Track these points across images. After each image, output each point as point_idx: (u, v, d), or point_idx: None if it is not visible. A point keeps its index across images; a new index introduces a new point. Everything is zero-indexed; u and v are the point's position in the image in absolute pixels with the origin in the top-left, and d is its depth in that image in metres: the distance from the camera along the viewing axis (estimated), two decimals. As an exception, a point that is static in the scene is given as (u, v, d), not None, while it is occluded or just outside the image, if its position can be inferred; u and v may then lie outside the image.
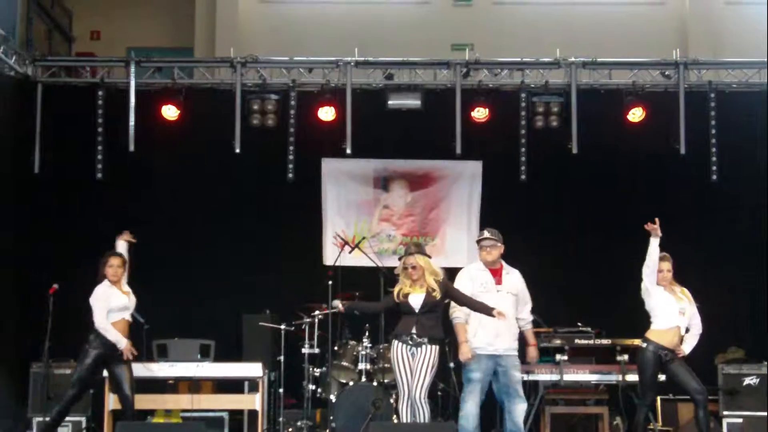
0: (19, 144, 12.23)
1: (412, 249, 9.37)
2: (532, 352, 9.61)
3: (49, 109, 12.46)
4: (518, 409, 9.33)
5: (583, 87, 12.42)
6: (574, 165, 12.41)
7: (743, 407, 10.82)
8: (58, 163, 12.42)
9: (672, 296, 9.43)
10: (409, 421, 9.06)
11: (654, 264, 9.46)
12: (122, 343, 9.51)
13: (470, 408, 9.32)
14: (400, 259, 9.44)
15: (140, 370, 10.58)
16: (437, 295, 9.09)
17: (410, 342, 9.02)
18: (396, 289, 9.25)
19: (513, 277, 9.57)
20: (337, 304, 9.45)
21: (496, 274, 9.54)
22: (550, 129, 12.45)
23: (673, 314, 9.38)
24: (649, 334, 9.41)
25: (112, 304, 9.56)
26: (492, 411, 9.98)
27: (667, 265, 9.47)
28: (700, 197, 12.46)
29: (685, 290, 9.48)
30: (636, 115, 12.33)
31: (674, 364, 9.33)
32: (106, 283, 9.63)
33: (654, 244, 9.44)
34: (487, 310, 9.03)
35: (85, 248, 10.90)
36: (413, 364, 9.04)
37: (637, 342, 10.04)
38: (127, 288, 9.79)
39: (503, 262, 9.64)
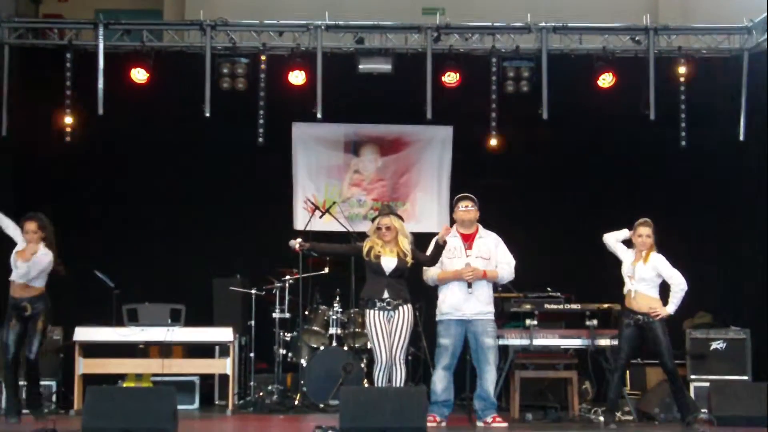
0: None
1: (386, 210, 9.38)
2: (473, 271, 9.39)
3: (16, 71, 12.33)
4: (487, 376, 9.39)
5: (553, 52, 12.40)
6: (544, 130, 12.43)
7: (711, 371, 10.93)
8: (26, 126, 12.30)
9: (627, 262, 9.52)
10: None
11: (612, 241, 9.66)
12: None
13: (439, 373, 9.40)
14: (372, 220, 9.42)
15: (110, 334, 10.62)
16: (409, 260, 9.12)
17: (388, 307, 9.02)
18: (366, 246, 9.21)
19: (486, 241, 9.58)
20: (294, 243, 9.29)
21: (468, 239, 9.56)
22: (520, 94, 12.44)
23: (626, 279, 9.51)
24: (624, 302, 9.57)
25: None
26: (463, 375, 10.03)
27: (647, 231, 9.51)
28: (670, 162, 12.50)
29: (653, 255, 9.51)
30: (606, 80, 12.34)
31: (650, 331, 9.41)
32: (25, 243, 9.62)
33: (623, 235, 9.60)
34: (439, 248, 9.15)
35: (51, 212, 10.80)
36: (390, 327, 9.03)
37: (605, 306, 10.14)
38: (42, 253, 9.58)
39: (480, 227, 9.64)
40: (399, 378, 9.05)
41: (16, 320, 9.52)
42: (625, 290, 9.57)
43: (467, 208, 9.56)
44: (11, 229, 9.72)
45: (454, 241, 9.50)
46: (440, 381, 9.38)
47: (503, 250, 9.64)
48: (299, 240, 9.30)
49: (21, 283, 9.52)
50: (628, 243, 9.70)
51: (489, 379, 9.37)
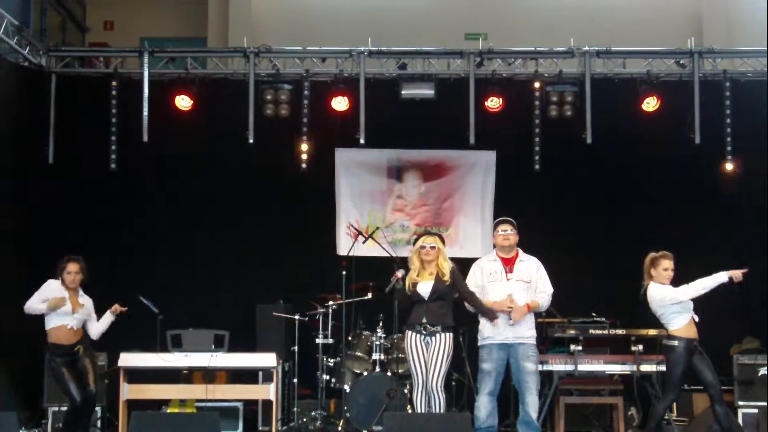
0: (34, 135, 12.25)
1: (430, 230, 9.38)
2: (520, 310, 9.27)
3: (63, 99, 12.50)
4: (529, 401, 9.28)
5: (597, 76, 12.39)
6: (588, 155, 12.37)
7: (759, 398, 10.78)
8: (73, 153, 12.44)
9: (677, 296, 9.39)
10: (424, 411, 9.07)
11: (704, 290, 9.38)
12: (49, 304, 9.51)
13: (482, 399, 9.32)
14: (414, 242, 9.37)
15: (154, 360, 10.63)
16: (447, 280, 9.10)
17: (423, 332, 9.03)
18: (408, 280, 9.21)
19: (526, 265, 9.48)
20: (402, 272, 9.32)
21: (509, 263, 9.49)
22: (564, 118, 12.43)
23: (683, 310, 9.35)
24: (676, 332, 9.32)
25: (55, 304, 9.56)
26: (507, 400, 9.98)
27: (671, 264, 9.41)
28: (715, 186, 12.39)
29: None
30: (650, 104, 12.30)
31: (696, 356, 9.28)
32: (59, 282, 9.65)
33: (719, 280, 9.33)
34: (489, 315, 9.11)
35: (99, 238, 10.92)
36: (428, 354, 9.04)
37: (652, 332, 10.03)
38: (83, 300, 9.74)
39: (520, 251, 9.58)
40: (438, 406, 9.02)
41: (71, 366, 9.58)
42: (686, 321, 9.37)
43: (506, 233, 9.49)
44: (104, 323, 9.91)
45: (494, 265, 9.46)
46: (484, 407, 9.30)
47: (543, 277, 9.50)
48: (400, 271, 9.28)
49: (76, 329, 9.61)
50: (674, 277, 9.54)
51: (530, 403, 9.27)
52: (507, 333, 9.25)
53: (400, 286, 9.25)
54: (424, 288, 9.10)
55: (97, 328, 9.88)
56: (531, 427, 9.30)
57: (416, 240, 9.44)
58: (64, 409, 10.43)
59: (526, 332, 9.30)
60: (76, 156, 12.49)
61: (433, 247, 9.19)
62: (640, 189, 12.60)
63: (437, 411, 8.96)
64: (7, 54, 11.95)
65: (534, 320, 9.47)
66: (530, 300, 9.31)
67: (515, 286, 9.34)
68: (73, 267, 9.64)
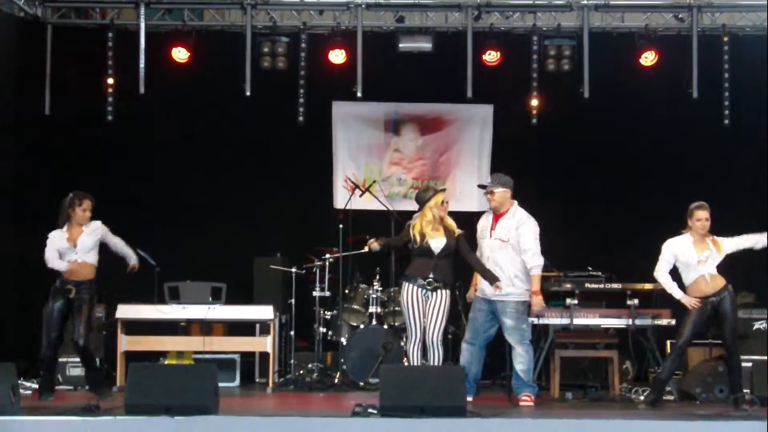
0: (30, 86, 12.21)
1: (435, 187, 9.37)
2: (533, 300, 9.37)
3: (59, 51, 12.43)
4: (514, 354, 9.36)
5: (595, 30, 12.36)
6: (585, 109, 12.35)
7: (753, 352, 10.82)
8: (69, 105, 12.40)
9: (693, 248, 9.36)
10: (419, 363, 9.13)
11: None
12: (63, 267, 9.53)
13: (462, 345, 9.48)
14: (423, 201, 9.26)
15: (152, 312, 10.70)
16: (457, 232, 9.13)
17: (428, 287, 9.03)
18: (416, 229, 9.16)
19: (508, 223, 9.39)
20: (375, 246, 9.32)
21: (496, 219, 9.47)
22: (561, 72, 12.42)
23: (698, 265, 9.32)
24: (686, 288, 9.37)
25: (60, 249, 9.56)
26: (501, 355, 10.05)
27: (705, 214, 9.31)
28: (713, 141, 12.38)
29: (717, 239, 9.38)
30: (648, 58, 12.29)
31: (721, 307, 9.26)
32: (62, 229, 9.61)
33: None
34: (490, 278, 9.16)
35: (95, 191, 10.83)
36: (426, 307, 9.06)
37: (648, 286, 10.06)
38: (89, 228, 9.65)
39: (513, 207, 9.50)
40: (435, 359, 9.09)
41: (64, 308, 9.58)
42: (695, 277, 9.33)
43: (488, 197, 9.47)
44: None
45: (485, 221, 9.53)
46: (462, 354, 9.43)
47: (524, 235, 9.34)
48: (372, 241, 9.25)
49: (81, 261, 9.58)
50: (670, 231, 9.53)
51: (515, 356, 9.33)
52: (488, 289, 9.29)
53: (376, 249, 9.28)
54: (437, 244, 9.08)
55: (120, 247, 9.85)
56: (519, 381, 9.38)
57: (419, 196, 9.34)
58: (63, 360, 10.52)
59: (505, 288, 9.26)
60: (73, 107, 12.43)
61: (447, 203, 9.26)
62: (638, 143, 12.57)
63: (434, 364, 9.00)
64: (3, 4, 11.88)
65: (522, 275, 9.40)
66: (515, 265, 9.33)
67: (493, 244, 9.36)
68: (88, 204, 9.58)
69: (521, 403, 9.31)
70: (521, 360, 9.35)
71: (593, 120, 12.55)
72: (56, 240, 9.55)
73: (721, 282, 9.31)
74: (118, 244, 9.82)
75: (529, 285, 9.37)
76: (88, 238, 9.58)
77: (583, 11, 12.23)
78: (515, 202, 9.55)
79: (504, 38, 12.49)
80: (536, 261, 9.34)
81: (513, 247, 9.35)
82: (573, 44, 12.34)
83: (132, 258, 9.89)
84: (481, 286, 9.41)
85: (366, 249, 9.32)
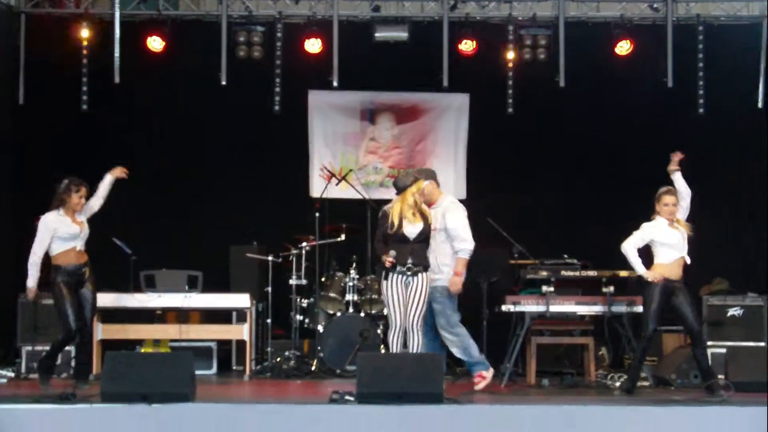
0: (4, 75, 12.14)
1: (419, 174, 9.33)
2: (451, 279, 9.33)
3: (33, 40, 12.36)
4: (446, 342, 9.45)
5: (570, 19, 12.40)
6: (561, 98, 12.40)
7: (727, 338, 10.92)
8: (43, 94, 12.33)
9: (674, 230, 9.41)
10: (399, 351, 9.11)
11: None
12: (32, 285, 9.36)
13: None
14: (402, 186, 9.15)
15: (128, 300, 10.68)
16: (431, 222, 9.11)
17: (408, 273, 8.99)
18: (395, 212, 9.03)
19: (436, 212, 9.39)
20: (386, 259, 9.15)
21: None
22: (537, 62, 12.46)
23: (677, 247, 9.39)
24: (654, 268, 9.38)
25: (60, 233, 9.36)
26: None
27: (672, 199, 9.39)
28: (688, 129, 12.44)
29: (679, 219, 9.44)
30: (624, 48, 12.34)
31: (679, 297, 9.33)
32: (58, 211, 9.40)
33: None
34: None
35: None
36: (407, 294, 9.01)
37: (623, 273, 10.10)
38: (82, 218, 9.52)
39: (440, 197, 9.52)
40: (415, 345, 9.04)
41: (74, 291, 9.44)
42: (674, 258, 9.35)
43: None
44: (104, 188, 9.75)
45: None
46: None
47: (450, 219, 9.38)
48: (387, 256, 9.10)
49: (80, 250, 9.50)
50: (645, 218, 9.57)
51: (450, 345, 9.42)
52: None
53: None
54: (412, 230, 9.03)
55: (98, 199, 9.68)
56: (468, 364, 9.52)
57: (398, 181, 9.28)
58: (39, 348, 10.44)
59: (433, 276, 9.30)
60: (47, 97, 12.37)
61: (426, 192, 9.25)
62: (613, 132, 12.61)
63: (414, 350, 8.95)
64: (-24, -8, 11.82)
65: (450, 262, 9.37)
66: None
67: None
68: (84, 191, 9.46)
69: (475, 386, 9.34)
70: (455, 344, 9.37)
71: (569, 109, 12.60)
72: (61, 225, 9.34)
73: (681, 273, 9.38)
74: (99, 198, 9.70)
75: None
76: (85, 233, 9.48)
77: (559, 1, 12.27)
78: (443, 193, 9.63)
79: (480, 27, 12.52)
80: (463, 245, 9.36)
81: (441, 235, 9.36)
82: (549, 34, 12.40)
83: (106, 179, 9.75)
84: None
85: (388, 263, 9.19)
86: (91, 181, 11.38)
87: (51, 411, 7.70)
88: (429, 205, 9.39)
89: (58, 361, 10.06)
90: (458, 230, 9.36)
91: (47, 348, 9.82)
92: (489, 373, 9.47)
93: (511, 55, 12.39)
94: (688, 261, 9.35)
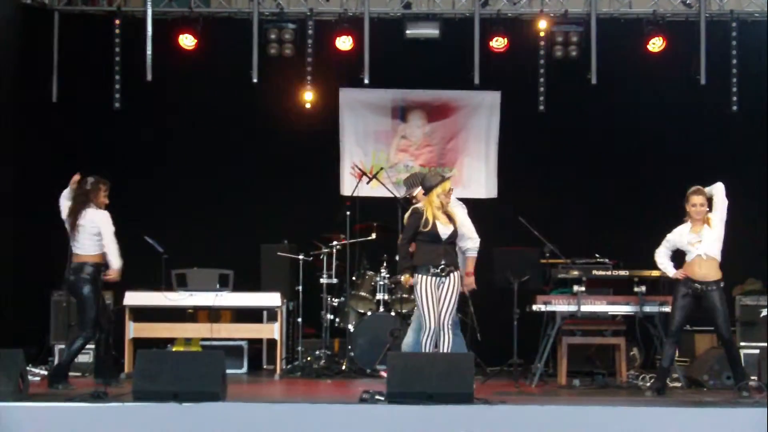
0: (37, 73, 12.23)
1: (441, 174, 9.30)
2: (465, 279, 9.36)
3: (66, 38, 12.44)
4: None
5: (602, 16, 12.34)
6: (593, 95, 12.35)
7: (760, 338, 10.83)
8: (76, 92, 12.41)
9: (689, 231, 9.36)
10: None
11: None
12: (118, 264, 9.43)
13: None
14: (427, 187, 9.12)
15: (160, 299, 10.73)
16: (458, 224, 9.09)
17: (441, 274, 8.94)
18: (428, 212, 9.01)
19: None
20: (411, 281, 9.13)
21: None
22: (569, 59, 12.43)
23: (689, 248, 9.34)
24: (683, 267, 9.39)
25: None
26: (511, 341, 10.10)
27: (700, 199, 9.33)
28: (721, 127, 12.35)
29: (709, 218, 9.38)
30: (656, 45, 12.26)
31: (709, 300, 9.25)
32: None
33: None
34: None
35: (102, 176, 10.85)
36: (439, 294, 8.96)
37: (655, 273, 10.06)
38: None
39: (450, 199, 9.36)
40: (446, 344, 8.96)
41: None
42: (690, 259, 9.33)
43: (414, 202, 9.39)
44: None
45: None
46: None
47: (463, 223, 9.36)
48: (407, 277, 9.05)
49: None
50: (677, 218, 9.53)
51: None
52: None
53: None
54: (444, 230, 8.98)
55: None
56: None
57: (426, 179, 9.23)
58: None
59: None
60: (80, 95, 12.45)
61: (452, 190, 9.17)
62: (645, 130, 12.53)
63: (445, 349, 8.85)
64: (10, -9, 11.90)
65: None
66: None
67: None
68: (108, 188, 9.55)
69: None
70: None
71: (600, 106, 12.53)
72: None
73: (714, 274, 9.28)
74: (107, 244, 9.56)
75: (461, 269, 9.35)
76: None
77: (591, -3, 12.23)
78: None
79: (511, 24, 12.48)
80: (471, 244, 9.40)
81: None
82: (580, 30, 12.34)
83: (114, 263, 9.51)
84: None
85: (406, 284, 9.18)
86: (122, 177, 11.53)
87: (83, 409, 7.76)
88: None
89: (90, 359, 10.14)
90: (462, 228, 9.29)
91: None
92: None
93: (542, 52, 12.34)
94: (704, 256, 9.26)
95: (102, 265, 9.41)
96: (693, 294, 9.24)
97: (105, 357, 9.73)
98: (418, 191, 9.30)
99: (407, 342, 9.38)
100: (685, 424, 7.69)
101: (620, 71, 12.34)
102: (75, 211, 9.43)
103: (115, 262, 9.38)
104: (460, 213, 9.44)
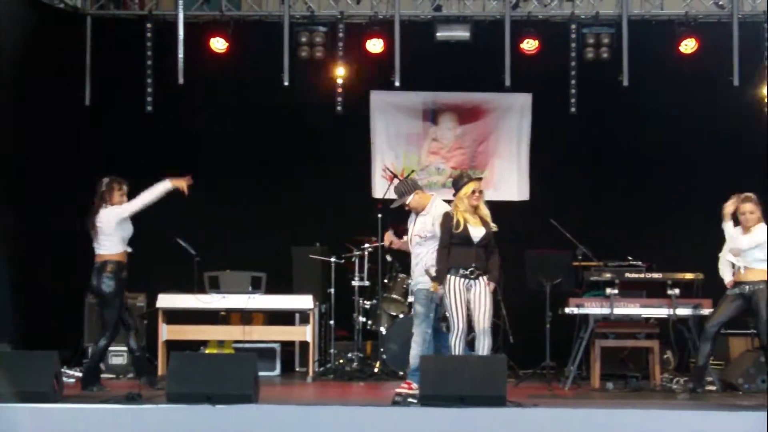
0: (70, 77, 12.30)
1: (468, 176, 9.29)
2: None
3: (98, 41, 12.52)
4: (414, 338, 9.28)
5: (634, 18, 12.29)
6: (624, 97, 12.28)
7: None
8: (109, 95, 12.48)
9: (739, 233, 9.37)
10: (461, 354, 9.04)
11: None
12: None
13: None
14: (457, 187, 9.21)
15: (192, 301, 10.79)
16: (493, 227, 9.06)
17: (471, 276, 8.94)
18: (455, 218, 9.03)
19: (425, 219, 9.28)
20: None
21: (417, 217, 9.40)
22: (600, 61, 12.36)
23: (730, 256, 9.38)
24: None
25: (126, 231, 9.52)
26: (543, 344, 10.08)
27: (750, 207, 9.32)
28: (755, 129, 12.27)
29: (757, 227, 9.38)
30: (688, 46, 12.19)
31: (757, 302, 9.24)
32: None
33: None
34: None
35: (134, 180, 10.92)
36: (469, 296, 8.95)
37: (688, 276, 10.02)
38: None
39: (429, 203, 9.32)
40: (485, 347, 8.91)
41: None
42: (736, 266, 9.40)
43: (408, 209, 9.40)
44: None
45: (410, 220, 9.45)
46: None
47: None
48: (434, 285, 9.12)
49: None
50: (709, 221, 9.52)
51: (414, 340, 9.22)
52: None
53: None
54: (476, 232, 8.98)
55: (139, 202, 9.61)
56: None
57: (455, 182, 9.30)
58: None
59: (416, 278, 9.32)
60: (112, 98, 12.51)
61: (481, 192, 9.13)
62: (678, 132, 12.46)
63: (484, 352, 8.82)
64: (43, -5, 12.00)
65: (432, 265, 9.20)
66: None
67: (413, 240, 9.32)
68: (126, 189, 9.57)
69: (397, 389, 9.02)
70: (415, 348, 9.15)
71: (632, 108, 12.47)
72: (127, 224, 9.52)
73: (759, 275, 9.25)
74: (140, 202, 9.66)
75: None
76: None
77: (622, -1, 12.18)
78: (433, 196, 9.45)
79: (542, 26, 12.45)
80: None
81: (429, 240, 9.22)
82: (612, 32, 12.28)
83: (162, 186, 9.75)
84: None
85: (436, 291, 9.19)
86: (154, 180, 11.57)
87: (118, 411, 7.83)
88: (419, 212, 9.32)
89: (124, 361, 10.21)
90: (437, 228, 9.23)
91: (113, 348, 9.90)
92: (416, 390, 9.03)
93: (573, 54, 12.31)
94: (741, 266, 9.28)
95: (123, 264, 9.46)
96: (738, 292, 9.24)
97: (142, 356, 9.76)
98: (411, 198, 9.26)
99: (413, 354, 9.16)
100: (719, 427, 7.66)
101: (652, 73, 12.27)
102: (94, 212, 9.54)
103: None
104: (435, 222, 9.25)
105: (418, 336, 9.17)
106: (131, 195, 9.68)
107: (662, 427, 7.68)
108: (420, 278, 9.25)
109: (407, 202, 9.30)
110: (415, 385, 8.92)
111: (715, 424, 7.71)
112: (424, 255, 9.24)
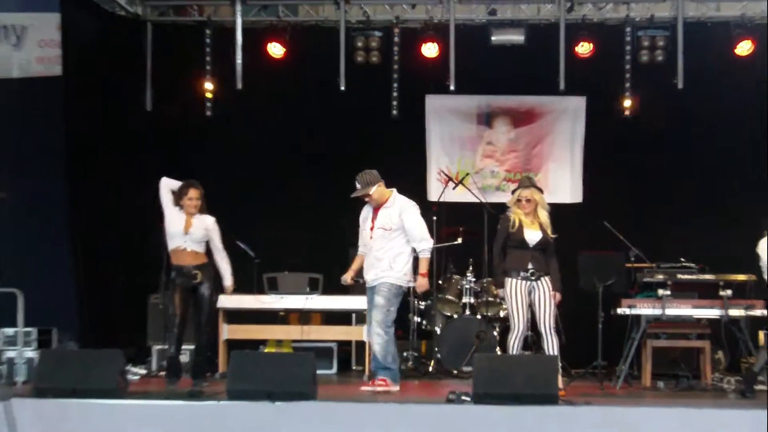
0: (132, 83, 12.56)
1: (525, 182, 9.43)
2: (418, 281, 9.48)
3: (158, 48, 12.77)
4: (371, 334, 9.40)
5: (689, 20, 12.30)
6: (679, 100, 12.29)
7: None
8: (169, 101, 12.72)
9: None
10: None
11: None
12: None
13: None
14: (513, 192, 9.46)
15: (252, 301, 10.97)
16: (550, 233, 9.18)
17: (531, 277, 9.08)
18: (511, 220, 9.22)
19: (390, 211, 9.43)
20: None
21: (377, 210, 9.51)
22: (655, 64, 12.38)
23: None
24: None
25: (168, 227, 9.57)
26: (595, 343, 10.14)
27: None
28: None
29: None
30: (745, 48, 12.18)
31: None
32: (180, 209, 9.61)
33: None
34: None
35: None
36: (531, 299, 9.10)
37: (741, 277, 10.04)
38: (199, 221, 9.60)
39: (392, 196, 9.50)
40: (551, 347, 9.08)
41: (189, 294, 9.57)
42: None
43: (368, 200, 9.52)
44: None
45: (366, 212, 9.59)
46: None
47: (407, 220, 9.39)
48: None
49: (190, 251, 9.66)
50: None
51: (374, 338, 9.30)
52: (367, 277, 9.51)
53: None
54: (532, 236, 9.14)
55: (218, 259, 9.75)
56: (376, 362, 9.39)
57: (514, 191, 9.47)
58: (163, 347, 10.73)
59: (379, 274, 9.38)
60: (173, 103, 12.75)
61: (528, 200, 9.24)
62: (733, 135, 12.42)
63: (551, 352, 9.01)
64: (105, 3, 12.26)
65: (402, 259, 9.39)
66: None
67: (375, 234, 9.42)
68: (194, 193, 9.60)
69: (374, 387, 9.18)
70: (380, 342, 9.27)
71: (687, 111, 12.45)
72: (171, 220, 9.57)
73: None
74: (218, 253, 9.75)
75: (408, 270, 9.42)
76: (197, 230, 9.60)
77: (678, 1, 12.19)
78: (393, 191, 9.58)
79: (597, 29, 12.49)
80: (424, 245, 9.42)
81: (395, 233, 9.37)
82: (667, 35, 12.30)
83: (227, 278, 9.78)
84: (365, 275, 9.51)
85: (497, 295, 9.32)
86: (215, 184, 11.81)
87: (180, 407, 8.01)
88: (380, 205, 9.44)
89: (187, 359, 10.41)
90: (416, 230, 9.37)
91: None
92: (394, 387, 9.26)
93: (628, 56, 12.35)
94: None
95: (173, 264, 9.56)
96: None
97: (198, 359, 9.93)
98: (375, 189, 9.39)
99: (377, 349, 9.32)
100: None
101: (707, 75, 12.25)
102: (190, 214, 9.66)
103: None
104: (412, 214, 9.43)
105: (379, 328, 9.26)
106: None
107: (712, 426, 7.72)
108: (383, 273, 9.33)
109: (370, 193, 9.42)
110: (390, 381, 9.16)
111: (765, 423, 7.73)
112: (385, 249, 9.34)
